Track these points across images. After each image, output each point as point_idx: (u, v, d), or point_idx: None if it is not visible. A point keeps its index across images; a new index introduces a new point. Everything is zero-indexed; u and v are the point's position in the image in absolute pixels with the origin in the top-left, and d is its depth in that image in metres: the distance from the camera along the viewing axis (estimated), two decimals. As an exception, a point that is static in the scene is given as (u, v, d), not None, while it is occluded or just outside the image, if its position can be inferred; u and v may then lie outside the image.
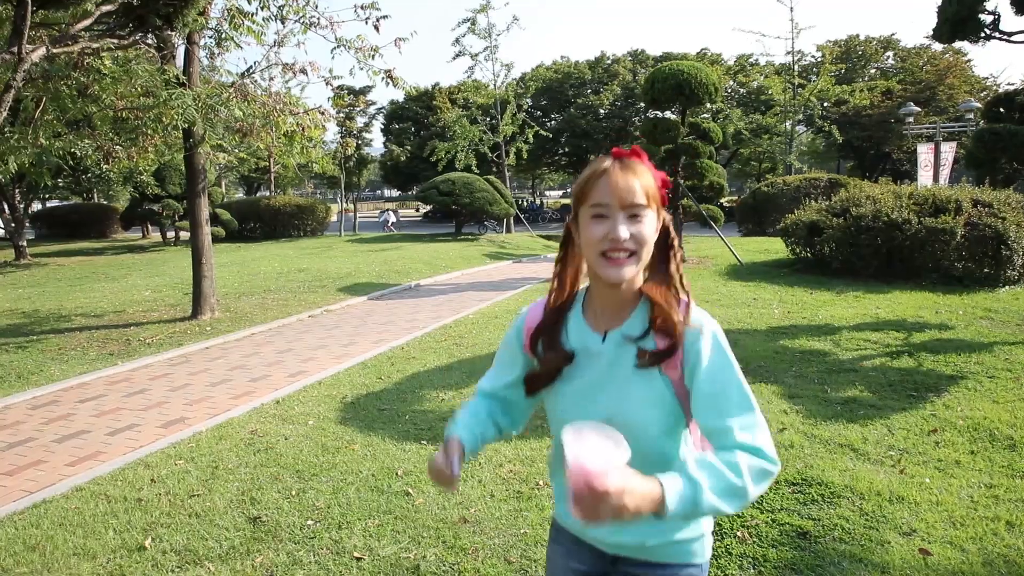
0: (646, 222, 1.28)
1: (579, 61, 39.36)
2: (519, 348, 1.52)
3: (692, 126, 12.14)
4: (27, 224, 21.81)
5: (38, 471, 4.44)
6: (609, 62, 38.17)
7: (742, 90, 32.40)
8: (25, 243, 19.72)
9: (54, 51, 3.19)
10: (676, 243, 1.39)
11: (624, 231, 1.25)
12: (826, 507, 3.50)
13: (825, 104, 28.86)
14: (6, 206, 19.83)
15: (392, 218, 32.86)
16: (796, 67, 27.62)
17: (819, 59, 31.71)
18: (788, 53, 26.08)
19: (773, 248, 13.51)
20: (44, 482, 4.25)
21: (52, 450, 4.81)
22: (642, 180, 1.28)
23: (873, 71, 35.66)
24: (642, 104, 30.44)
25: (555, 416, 1.44)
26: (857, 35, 35.55)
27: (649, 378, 1.33)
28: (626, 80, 35.50)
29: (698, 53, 34.43)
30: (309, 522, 3.54)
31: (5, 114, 2.99)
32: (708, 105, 13.19)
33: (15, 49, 2.93)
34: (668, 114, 12.91)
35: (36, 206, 26.69)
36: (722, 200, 20.43)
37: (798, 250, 11.20)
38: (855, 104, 28.81)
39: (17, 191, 19.48)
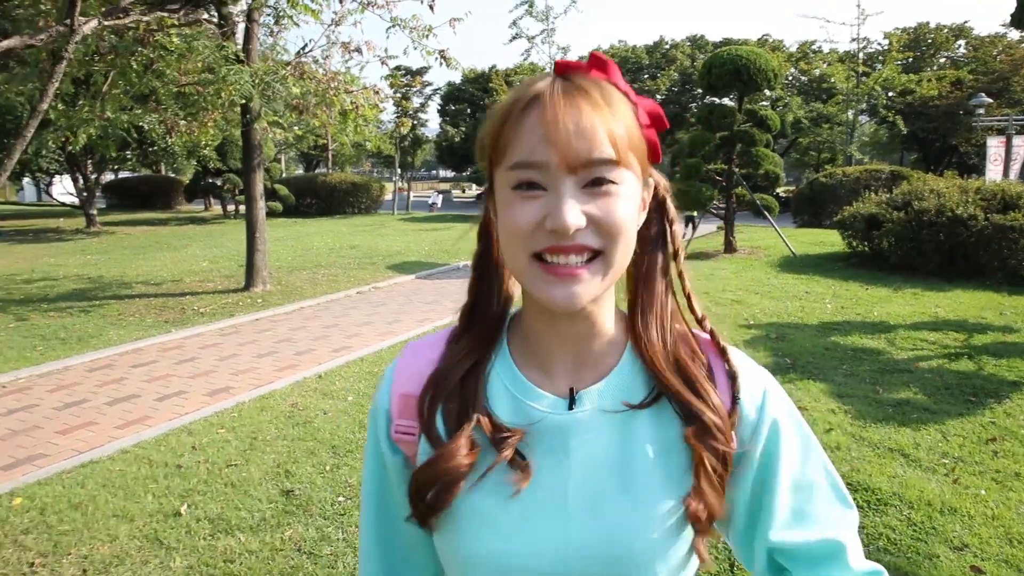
0: (620, 195, 0.69)
1: (637, 46, 38.74)
2: (389, 449, 0.83)
3: (749, 113, 11.80)
4: (98, 194, 22.69)
5: (89, 432, 4.61)
6: (667, 47, 37.44)
7: (804, 78, 31.34)
8: (95, 212, 20.53)
9: (106, 23, 3.24)
10: (677, 233, 0.82)
11: (575, 213, 0.66)
12: (871, 514, 3.36)
13: (890, 94, 27.69)
14: (79, 176, 20.66)
15: (434, 199, 33.11)
16: (861, 55, 26.54)
17: (886, 47, 30.39)
18: (853, 40, 25.13)
19: (829, 240, 13.07)
20: (93, 443, 4.41)
21: (104, 412, 4.98)
22: (608, 114, 0.68)
23: (943, 60, 34.04)
24: (699, 90, 29.71)
25: (469, 570, 0.77)
26: (927, 22, 33.97)
27: (671, 474, 0.76)
28: (684, 66, 34.76)
29: (759, 39, 33.44)
30: (340, 499, 3.57)
31: (57, 84, 3.04)
32: (767, 92, 12.78)
33: (68, 21, 2.98)
34: (726, 101, 12.58)
35: (108, 177, 27.73)
36: (778, 190, 19.83)
37: (855, 244, 10.81)
38: (922, 94, 27.55)
39: (89, 162, 20.26)
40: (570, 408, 0.77)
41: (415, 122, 29.48)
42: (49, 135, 8.70)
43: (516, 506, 0.74)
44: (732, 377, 0.79)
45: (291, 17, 8.57)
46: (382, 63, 9.72)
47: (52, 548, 3.12)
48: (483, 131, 0.74)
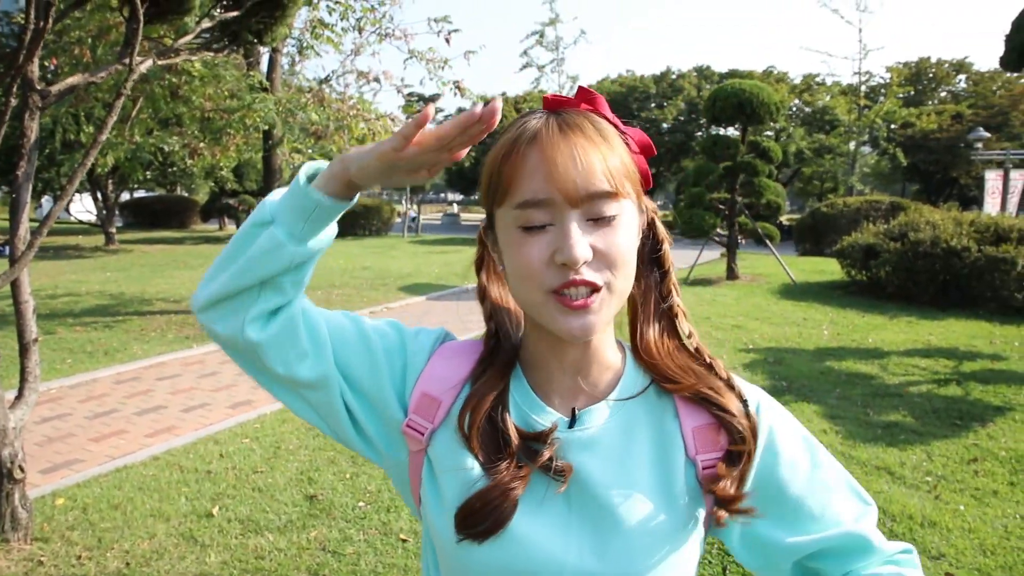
0: (620, 225, 0.73)
1: (644, 75, 39.25)
2: (401, 377, 0.85)
3: (752, 144, 12.14)
4: (116, 212, 23.19)
5: (120, 439, 4.88)
6: (674, 77, 37.92)
7: (807, 109, 31.76)
8: (114, 230, 20.98)
9: (160, 63, 3.57)
10: (667, 253, 0.86)
11: (582, 246, 0.70)
12: (855, 526, 3.59)
13: (892, 126, 28.07)
14: (99, 195, 21.14)
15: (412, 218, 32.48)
16: (863, 88, 26.99)
17: (887, 80, 30.83)
18: (855, 74, 25.57)
19: (829, 269, 13.32)
20: (125, 450, 4.69)
21: (133, 421, 5.26)
22: (604, 148, 0.72)
23: (944, 94, 34.46)
24: (704, 120, 30.27)
25: (472, 571, 0.79)
26: (928, 57, 34.45)
27: (671, 487, 0.80)
28: (691, 95, 35.20)
29: (764, 71, 33.88)
30: (360, 504, 3.83)
31: (115, 117, 3.37)
32: (771, 124, 13.10)
33: (127, 60, 3.32)
34: (731, 131, 12.94)
35: (124, 196, 28.29)
36: (781, 218, 20.07)
37: (853, 272, 11.06)
38: (922, 127, 27.94)
39: (110, 182, 20.75)
40: (571, 427, 0.80)
41: (426, 147, 29.92)
42: (80, 156, 9.09)
43: (520, 519, 0.76)
44: (730, 386, 0.83)
45: (313, 47, 8.99)
46: (398, 91, 10.13)
47: (96, 543, 3.39)
48: (486, 168, 0.76)
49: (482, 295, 0.89)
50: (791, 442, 0.85)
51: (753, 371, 6.45)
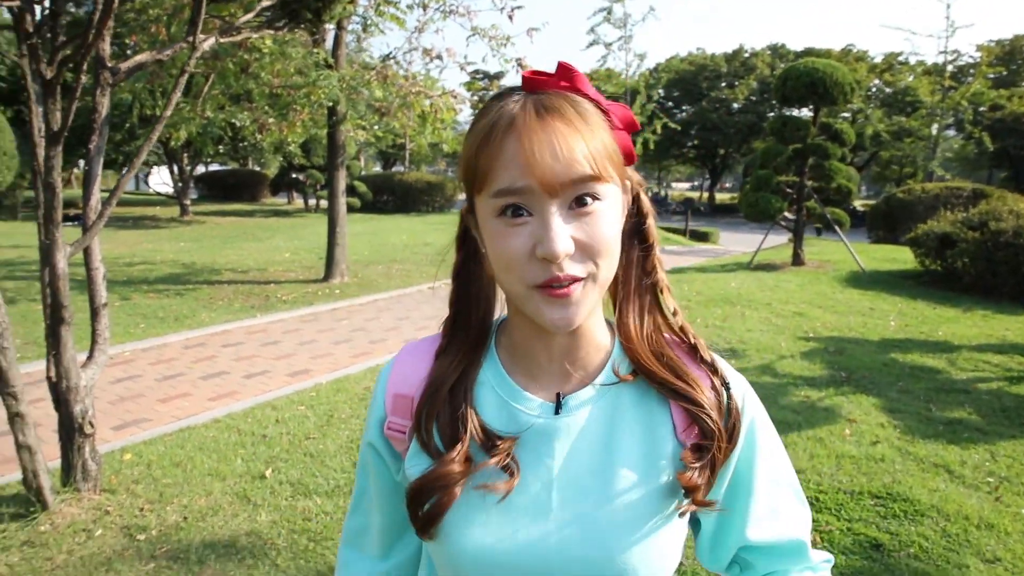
0: (603, 212, 0.71)
1: (715, 54, 38.22)
2: (388, 453, 0.88)
3: (823, 126, 11.68)
4: (191, 185, 24.11)
5: (185, 401, 5.13)
6: (747, 55, 36.79)
7: (888, 90, 30.27)
8: (189, 202, 21.84)
9: (222, 41, 3.69)
10: (652, 227, 0.83)
11: (563, 239, 0.68)
12: (907, 523, 3.49)
13: (980, 108, 26.50)
14: (175, 168, 22.01)
15: None
16: (949, 67, 25.51)
17: (976, 60, 29.05)
18: (941, 52, 24.16)
19: (901, 258, 12.78)
20: (189, 411, 4.93)
21: (197, 385, 5.51)
22: (584, 131, 0.69)
23: (1041, 74, 32.29)
24: (775, 100, 29.32)
25: (457, 566, 0.80)
26: (1024, 35, 32.29)
27: (654, 472, 0.79)
28: (763, 74, 34.10)
29: (843, 49, 32.46)
30: (405, 472, 3.93)
31: (179, 94, 3.50)
32: (846, 105, 12.56)
33: (191, 39, 3.44)
34: (805, 111, 12.48)
35: (200, 169, 29.37)
36: (855, 204, 19.26)
37: (927, 262, 10.57)
38: (1013, 110, 26.25)
39: (185, 156, 21.57)
40: (556, 412, 0.79)
41: (491, 124, 29.93)
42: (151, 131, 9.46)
43: (504, 507, 0.77)
44: (713, 370, 0.82)
45: (377, 25, 9.09)
46: (461, 69, 10.14)
47: (158, 497, 3.59)
48: (464, 154, 0.74)
49: (456, 273, 0.87)
50: (768, 436, 0.86)
51: (811, 360, 6.28)
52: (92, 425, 3.42)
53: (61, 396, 3.33)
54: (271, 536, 3.24)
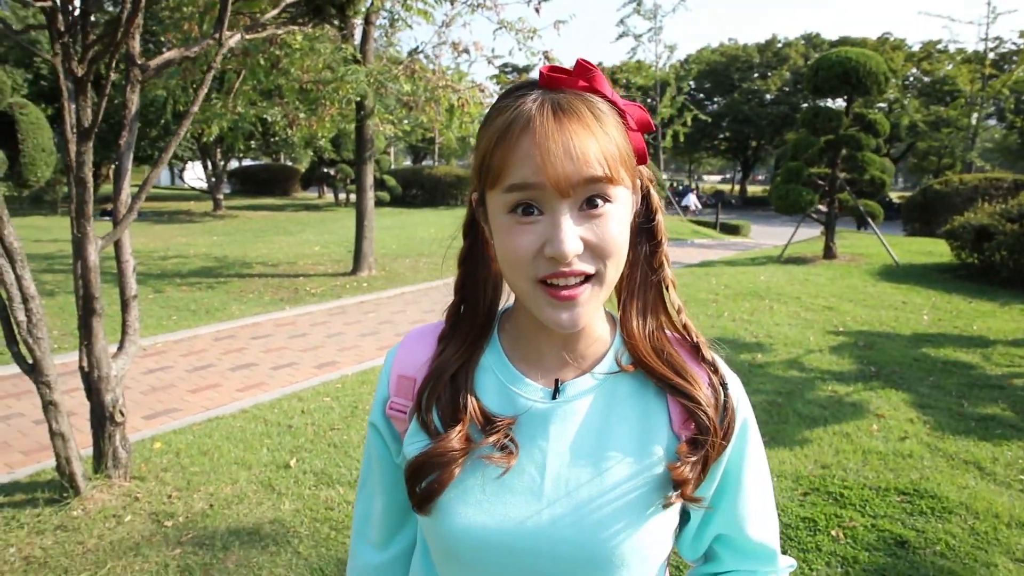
0: (613, 214, 0.72)
1: (747, 44, 37.68)
2: (389, 435, 0.90)
3: (857, 116, 11.45)
4: (225, 180, 24.51)
5: (214, 392, 5.24)
6: (780, 45, 36.23)
7: (925, 79, 29.52)
8: (222, 196, 22.21)
9: (247, 37, 3.75)
10: (661, 223, 0.84)
11: (572, 240, 0.69)
12: (934, 520, 3.43)
13: (1023, 97, 25.70)
14: (209, 163, 22.40)
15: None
16: (990, 55, 24.77)
17: (1020, 46, 28.16)
18: (982, 40, 23.45)
19: (937, 251, 12.49)
20: (218, 401, 5.03)
21: (227, 376, 5.62)
22: (599, 132, 0.70)
23: (1090, 61, 31.23)
24: (808, 91, 28.86)
25: (449, 543, 0.81)
26: (1073, 20, 31.15)
27: (646, 456, 0.80)
28: (797, 65, 33.57)
29: (879, 38, 31.75)
30: (427, 464, 3.96)
31: (206, 90, 3.56)
32: (880, 95, 12.27)
33: (217, 35, 3.50)
34: (839, 102, 12.23)
35: (233, 164, 29.85)
36: (891, 196, 18.81)
37: (963, 255, 10.32)
38: (1056, 100, 25.44)
39: (218, 151, 21.93)
40: (554, 398, 0.81)
41: (519, 118, 29.91)
42: (182, 126, 9.63)
43: (497, 487, 0.79)
44: (713, 369, 0.84)
45: (404, 20, 9.14)
46: (488, 62, 10.15)
47: (185, 484, 3.68)
48: (478, 148, 0.75)
49: (462, 259, 0.88)
50: (757, 438, 0.88)
51: (840, 355, 6.19)
52: (122, 414, 3.51)
53: (92, 385, 3.42)
54: (294, 524, 3.30)
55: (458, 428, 0.79)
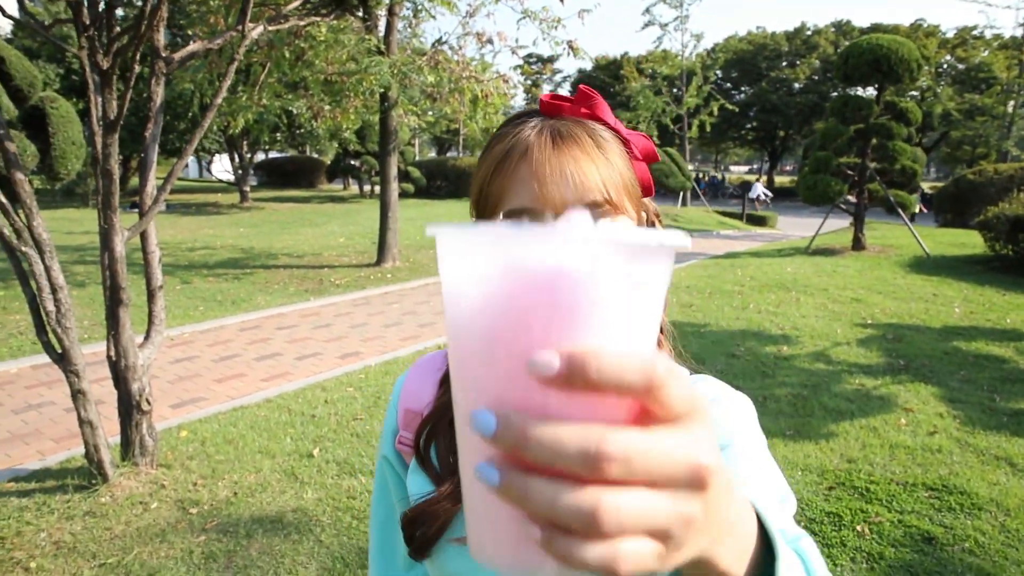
0: None
1: (775, 32, 37.14)
2: (400, 466, 0.89)
3: (888, 105, 11.22)
4: (251, 172, 24.77)
5: (239, 382, 5.30)
6: (809, 33, 35.65)
7: (960, 66, 28.83)
8: (248, 188, 22.43)
9: (270, 28, 3.76)
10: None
11: None
12: (963, 517, 3.37)
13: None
14: (236, 156, 22.64)
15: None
16: (1028, 40, 24.10)
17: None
18: (1020, 25, 22.83)
19: (970, 242, 12.22)
20: (243, 391, 5.09)
21: (252, 366, 5.69)
22: (600, 160, 0.68)
23: None
24: (837, 79, 28.26)
25: None
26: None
27: None
28: (827, 53, 32.99)
29: (912, 24, 31.08)
30: (448, 454, 3.98)
31: (229, 82, 3.59)
32: (912, 83, 12.01)
33: (240, 27, 3.51)
34: (869, 90, 12.00)
35: (259, 156, 30.15)
36: (923, 187, 18.40)
37: (997, 246, 10.09)
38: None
39: (244, 143, 22.15)
40: None
41: (543, 109, 29.82)
42: (213, 119, 9.75)
43: None
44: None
45: (428, 10, 9.12)
46: (512, 52, 10.11)
47: (210, 472, 3.73)
48: (477, 175, 0.74)
49: None
50: (749, 450, 0.75)
51: (868, 347, 6.09)
52: (149, 402, 3.57)
53: (120, 374, 3.48)
54: (316, 513, 3.33)
55: (453, 480, 0.76)
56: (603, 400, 0.29)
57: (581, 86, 0.73)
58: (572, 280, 0.29)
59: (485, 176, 0.71)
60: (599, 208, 0.67)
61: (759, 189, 27.51)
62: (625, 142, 0.72)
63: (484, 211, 0.72)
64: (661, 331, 0.80)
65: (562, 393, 0.29)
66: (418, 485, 0.81)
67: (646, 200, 0.76)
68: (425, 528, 0.77)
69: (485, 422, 0.30)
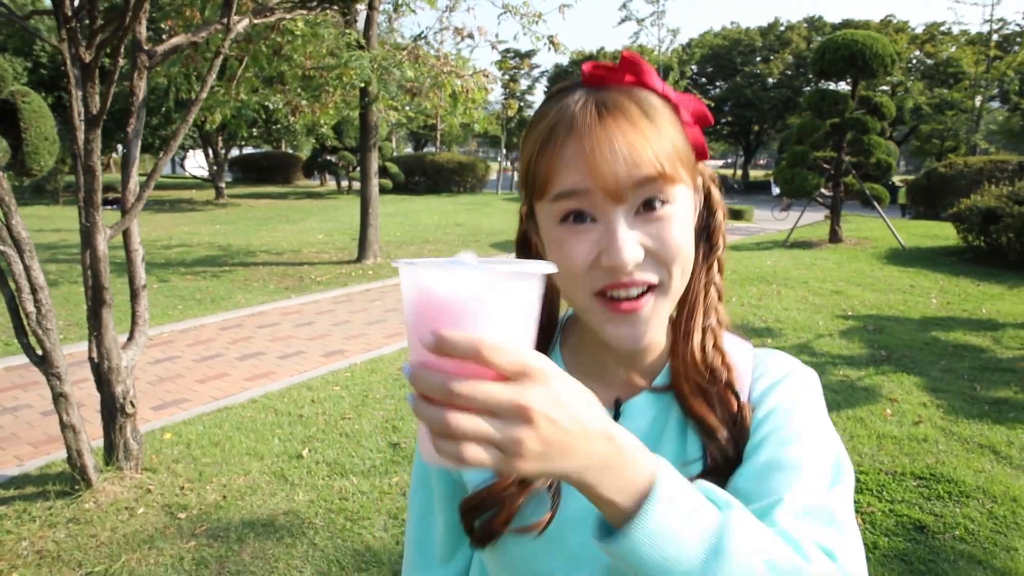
0: (673, 216, 0.66)
1: (750, 28, 37.48)
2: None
3: (862, 99, 11.36)
4: (226, 168, 24.43)
5: (223, 382, 5.21)
6: (782, 29, 36.02)
7: (929, 61, 29.33)
8: (224, 185, 22.12)
9: (255, 22, 3.68)
10: (720, 224, 0.77)
11: (631, 247, 0.63)
12: (952, 505, 3.41)
13: (1027, 79, 25.52)
14: (210, 151, 22.30)
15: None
16: (995, 36, 24.54)
17: None
18: (986, 21, 23.30)
19: (943, 234, 12.44)
20: (227, 391, 5.00)
21: (234, 366, 5.59)
22: (650, 130, 0.64)
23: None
24: (812, 74, 28.49)
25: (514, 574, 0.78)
26: (1079, 0, 30.88)
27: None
28: (799, 48, 33.35)
29: (882, 20, 31.54)
30: (439, 453, 3.94)
31: (214, 76, 3.51)
32: (886, 77, 12.19)
33: (225, 20, 3.43)
34: (843, 85, 12.15)
35: (234, 152, 29.73)
36: (894, 180, 18.65)
37: (970, 238, 10.28)
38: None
39: (220, 139, 21.82)
40: (618, 418, 0.75)
41: (522, 103, 29.83)
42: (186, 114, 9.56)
43: (555, 523, 0.73)
44: (737, 398, 0.74)
45: (408, 4, 9.03)
46: (492, 48, 10.07)
47: (198, 476, 3.65)
48: (523, 153, 0.70)
49: (517, 250, 0.82)
50: (786, 423, 0.73)
51: (850, 339, 6.15)
52: (133, 405, 3.48)
53: (103, 377, 3.39)
54: (308, 515, 3.28)
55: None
56: (465, 363, 0.45)
57: (624, 52, 0.69)
58: (455, 298, 0.46)
59: (531, 156, 0.68)
60: (653, 186, 0.64)
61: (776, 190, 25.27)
62: (675, 107, 0.69)
63: (534, 194, 0.69)
64: (690, 313, 0.76)
65: (442, 358, 0.46)
66: (479, 474, 0.78)
67: (700, 165, 0.73)
68: (490, 515, 0.76)
69: (407, 372, 0.48)
